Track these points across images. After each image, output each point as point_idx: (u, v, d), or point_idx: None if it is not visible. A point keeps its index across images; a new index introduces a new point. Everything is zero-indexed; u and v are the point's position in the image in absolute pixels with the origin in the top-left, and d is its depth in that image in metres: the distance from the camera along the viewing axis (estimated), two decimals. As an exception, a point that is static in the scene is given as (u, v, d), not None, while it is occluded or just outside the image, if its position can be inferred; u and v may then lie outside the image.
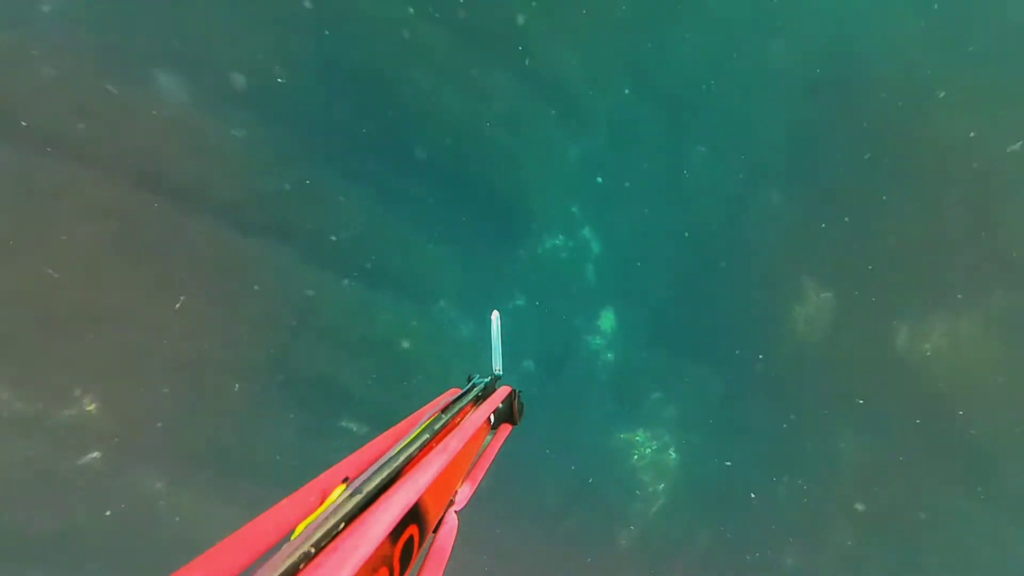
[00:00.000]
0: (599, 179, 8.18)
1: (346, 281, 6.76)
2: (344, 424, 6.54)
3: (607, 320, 8.10)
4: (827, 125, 6.65)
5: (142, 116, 5.43)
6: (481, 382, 1.47)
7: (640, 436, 7.61)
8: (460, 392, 1.36)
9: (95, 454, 5.10)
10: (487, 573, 6.79)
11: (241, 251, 5.99)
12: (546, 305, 8.20)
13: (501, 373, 1.60)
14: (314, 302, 6.34)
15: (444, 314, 7.63)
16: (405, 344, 6.90)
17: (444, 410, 1.13)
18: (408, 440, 0.90)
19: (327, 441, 6.38)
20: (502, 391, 1.44)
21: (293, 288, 6.24)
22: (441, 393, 1.32)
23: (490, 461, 1.22)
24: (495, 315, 1.73)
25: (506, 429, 1.43)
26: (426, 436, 0.93)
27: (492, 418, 1.28)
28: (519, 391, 1.52)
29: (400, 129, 6.91)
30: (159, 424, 5.37)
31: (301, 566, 0.54)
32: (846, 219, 6.53)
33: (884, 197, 6.32)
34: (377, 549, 0.59)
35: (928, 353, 6.06)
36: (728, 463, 6.87)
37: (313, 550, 0.56)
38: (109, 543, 5.15)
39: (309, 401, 6.27)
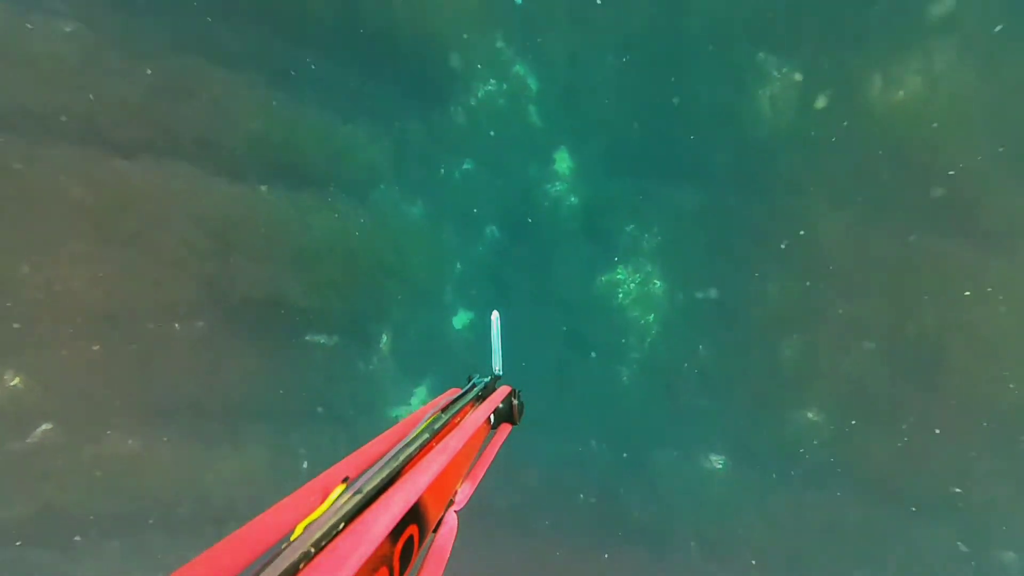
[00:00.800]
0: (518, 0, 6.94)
1: (264, 187, 5.95)
2: (310, 338, 6.19)
3: (562, 161, 7.41)
4: None
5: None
6: (481, 382, 1.43)
7: (622, 273, 7.36)
8: (460, 392, 1.32)
9: (46, 426, 4.77)
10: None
11: (127, 178, 5.11)
12: (495, 160, 7.45)
13: (501, 373, 1.55)
14: (234, 219, 5.60)
15: (386, 199, 6.91)
16: (352, 241, 6.29)
17: (444, 410, 1.13)
18: (408, 440, 0.89)
19: (297, 360, 6.07)
20: (502, 391, 1.39)
21: (205, 208, 5.45)
22: (441, 393, 1.31)
23: (490, 461, 1.20)
24: (495, 315, 1.68)
25: (506, 429, 1.38)
26: (426, 436, 0.92)
27: (492, 418, 1.28)
28: (519, 390, 1.48)
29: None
30: (103, 383, 4.97)
31: (301, 566, 0.53)
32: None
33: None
34: (377, 549, 0.58)
35: (902, 96, 5.51)
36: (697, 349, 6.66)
37: (313, 550, 0.55)
38: (100, 509, 5.07)
39: (265, 325, 5.84)
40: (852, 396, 6.18)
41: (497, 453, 1.25)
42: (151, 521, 5.32)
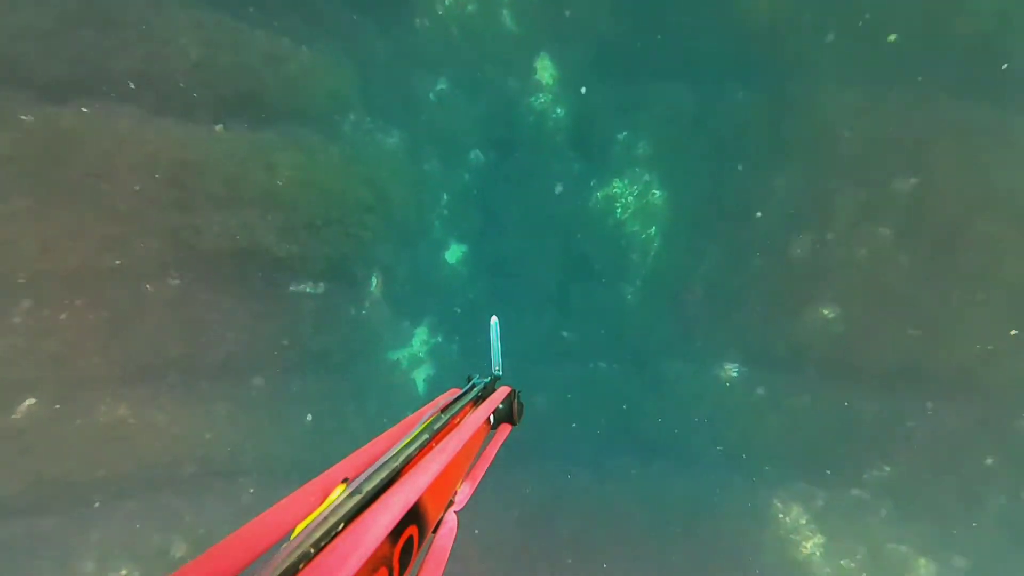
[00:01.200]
0: None
1: (219, 127, 5.36)
2: (295, 288, 5.81)
3: (545, 69, 6.77)
4: None
5: None
6: (481, 382, 1.40)
7: (618, 186, 6.91)
8: (459, 392, 1.29)
9: (30, 401, 4.48)
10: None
11: (61, 125, 4.53)
12: (471, 76, 6.81)
13: (501, 373, 1.52)
14: (191, 164, 5.06)
15: (357, 130, 6.33)
16: (324, 179, 5.78)
17: (443, 410, 1.12)
18: (408, 440, 0.88)
19: (285, 312, 5.73)
20: (502, 391, 1.36)
21: (155, 154, 4.91)
22: (441, 393, 1.28)
23: (490, 461, 1.18)
24: (493, 320, 1.63)
25: (506, 429, 1.34)
26: (425, 436, 0.92)
27: (492, 418, 1.25)
28: (518, 391, 1.45)
29: None
30: (82, 352, 4.64)
31: (300, 566, 0.52)
32: None
33: None
34: (376, 549, 0.58)
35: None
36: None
37: (312, 550, 0.55)
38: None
39: (244, 279, 5.44)
40: (868, 287, 5.93)
41: (497, 453, 1.25)
42: (157, 482, 5.17)
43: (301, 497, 0.72)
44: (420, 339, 7.14)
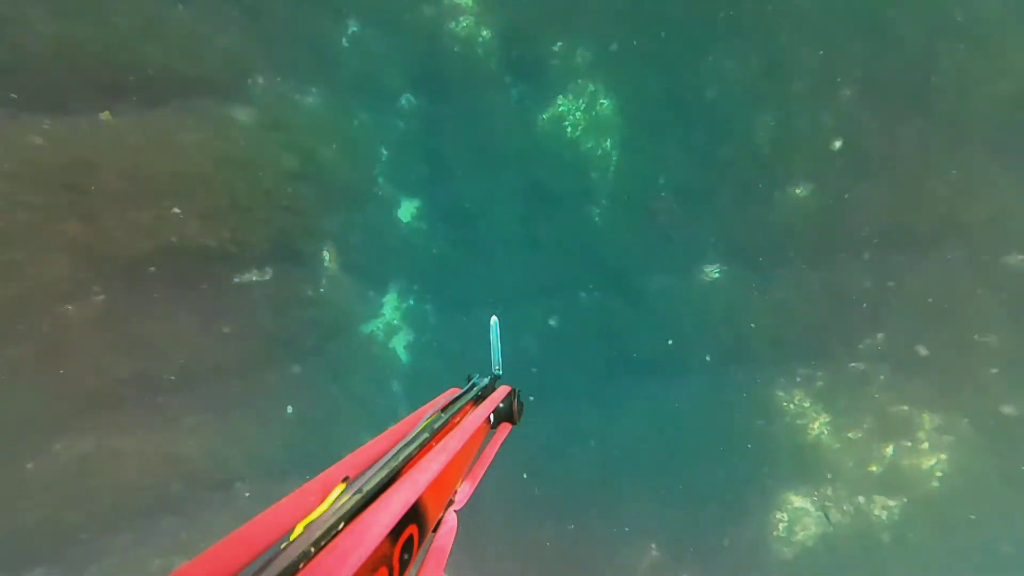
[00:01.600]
0: None
1: (103, 114, 4.70)
2: (240, 279, 5.34)
3: (460, -15, 6.10)
4: None
5: None
6: (481, 382, 1.40)
7: (563, 104, 6.42)
8: (460, 392, 1.29)
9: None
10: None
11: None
12: (381, 9, 6.12)
13: (500, 373, 1.52)
14: (79, 162, 4.44)
15: (269, 93, 5.67)
16: (240, 152, 5.19)
17: (444, 409, 1.12)
18: (408, 440, 0.89)
19: (235, 307, 5.28)
20: (501, 390, 1.36)
21: (33, 157, 4.27)
22: (441, 393, 1.27)
23: (490, 460, 1.18)
24: (493, 319, 1.61)
25: (506, 428, 1.34)
26: (426, 435, 0.92)
27: (492, 417, 1.27)
28: (518, 390, 1.44)
29: None
30: (16, 393, 4.19)
31: (300, 565, 0.52)
32: None
33: None
34: (377, 549, 0.58)
35: None
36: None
37: (313, 549, 0.55)
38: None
39: (178, 281, 4.93)
40: (837, 156, 5.67)
41: (497, 453, 1.23)
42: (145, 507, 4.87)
43: (301, 496, 0.72)
44: (391, 306, 6.77)
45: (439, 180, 6.63)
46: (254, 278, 5.48)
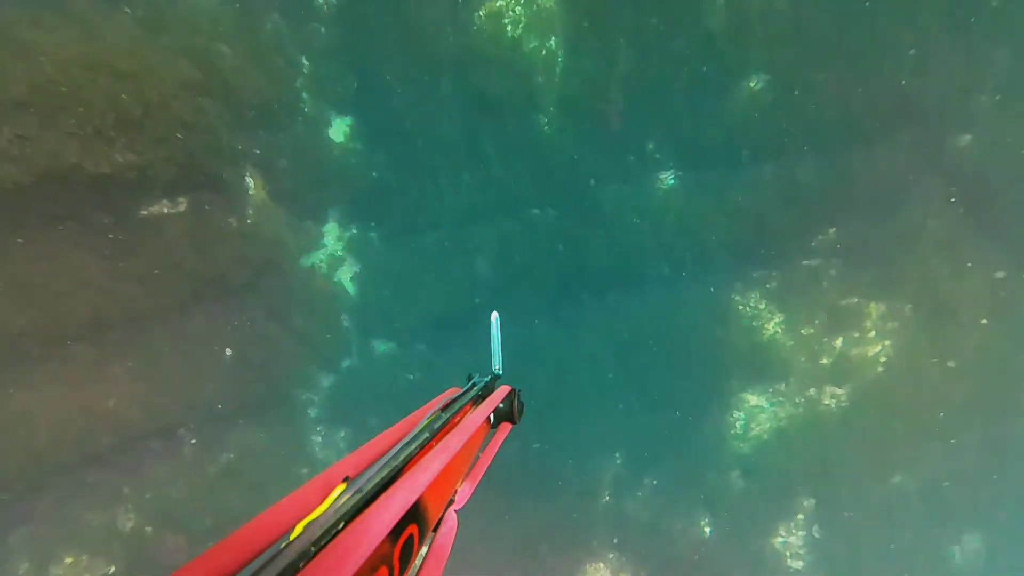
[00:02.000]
0: None
1: None
2: (147, 212, 4.72)
3: None
4: None
5: None
6: (481, 381, 1.40)
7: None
8: (460, 391, 1.30)
9: None
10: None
11: None
12: None
13: (501, 372, 1.51)
14: None
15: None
16: (116, 57, 4.41)
17: (444, 409, 1.13)
18: (408, 439, 0.89)
19: (147, 244, 4.70)
20: (502, 390, 1.36)
21: None
22: (441, 393, 1.27)
23: (490, 460, 1.19)
24: (494, 316, 1.60)
25: (506, 428, 1.35)
26: (426, 435, 0.92)
27: (492, 417, 1.28)
28: (519, 390, 1.42)
29: None
30: None
31: (301, 565, 0.52)
32: None
33: None
34: (377, 548, 0.58)
35: None
36: None
37: (313, 549, 0.55)
38: None
39: (68, 216, 4.29)
40: (790, 42, 5.36)
41: (497, 452, 1.24)
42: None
43: (301, 496, 0.71)
44: (332, 236, 6.27)
45: (371, 93, 5.98)
46: (165, 210, 4.88)
